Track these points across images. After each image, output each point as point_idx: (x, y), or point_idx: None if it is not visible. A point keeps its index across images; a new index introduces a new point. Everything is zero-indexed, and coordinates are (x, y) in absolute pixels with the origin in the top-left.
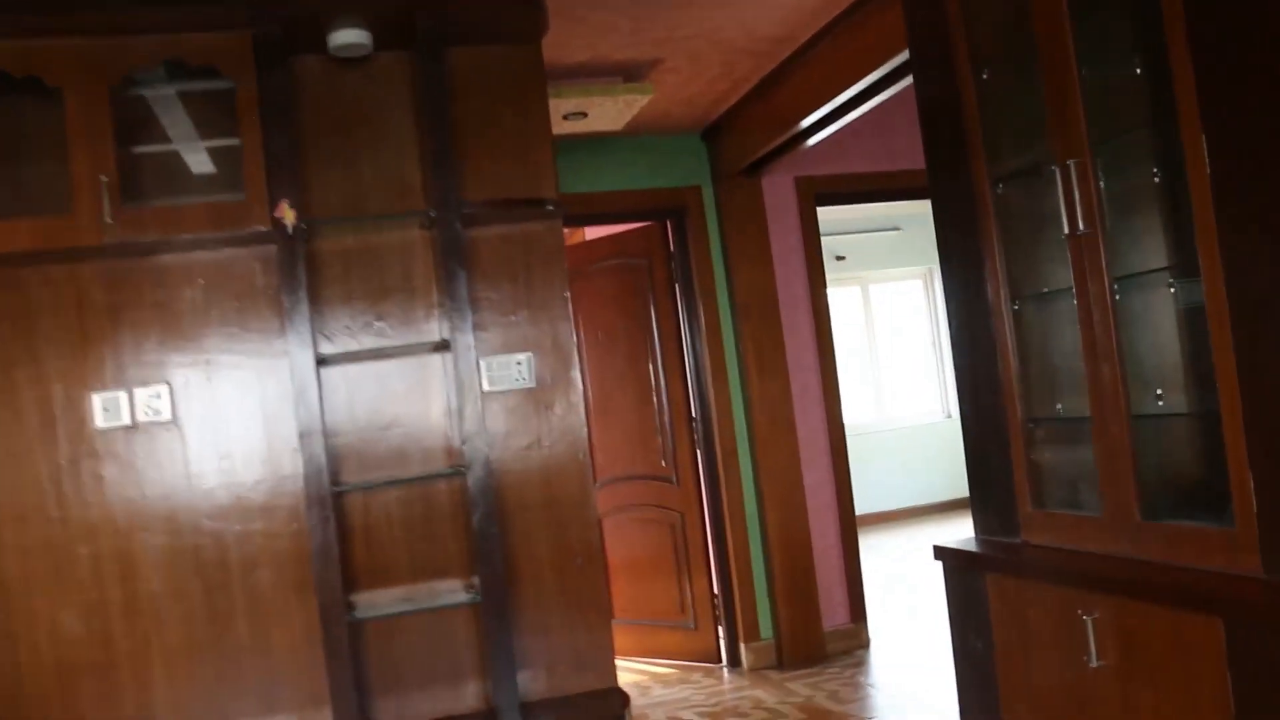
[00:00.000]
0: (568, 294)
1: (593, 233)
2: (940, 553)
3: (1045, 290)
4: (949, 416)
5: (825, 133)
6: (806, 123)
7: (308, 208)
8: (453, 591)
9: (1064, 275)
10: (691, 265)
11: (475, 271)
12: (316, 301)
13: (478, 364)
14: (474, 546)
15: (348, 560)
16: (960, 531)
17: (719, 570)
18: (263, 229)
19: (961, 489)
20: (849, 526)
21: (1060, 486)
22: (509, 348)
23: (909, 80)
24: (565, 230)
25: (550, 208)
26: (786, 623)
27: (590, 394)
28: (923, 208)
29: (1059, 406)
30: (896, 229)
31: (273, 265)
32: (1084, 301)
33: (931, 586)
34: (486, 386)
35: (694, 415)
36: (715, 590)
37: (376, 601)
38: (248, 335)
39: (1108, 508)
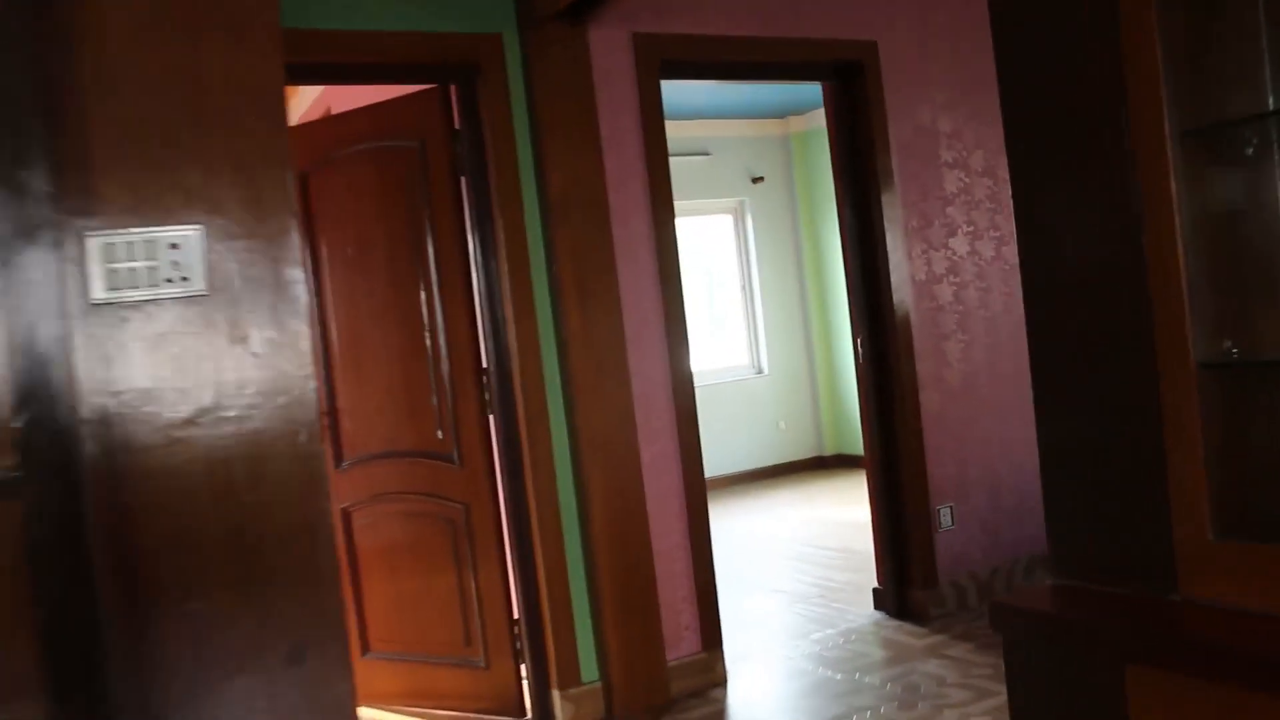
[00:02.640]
0: (282, 94)
1: (341, 103)
2: (1005, 615)
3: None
4: (760, 372)
5: None
6: None
7: None
8: None
9: None
10: (486, 151)
11: (83, 52)
12: None
13: (82, 244)
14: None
15: None
16: (778, 510)
17: (521, 586)
18: None
19: (772, 456)
20: (699, 517)
21: (1256, 493)
22: (155, 214)
23: None
24: (300, 97)
25: None
26: (619, 658)
27: (334, 334)
28: (737, 129)
29: (1230, 346)
30: (705, 154)
31: None
32: None
33: (784, 586)
34: (99, 294)
35: (485, 365)
36: (515, 614)
37: None
38: None
39: None
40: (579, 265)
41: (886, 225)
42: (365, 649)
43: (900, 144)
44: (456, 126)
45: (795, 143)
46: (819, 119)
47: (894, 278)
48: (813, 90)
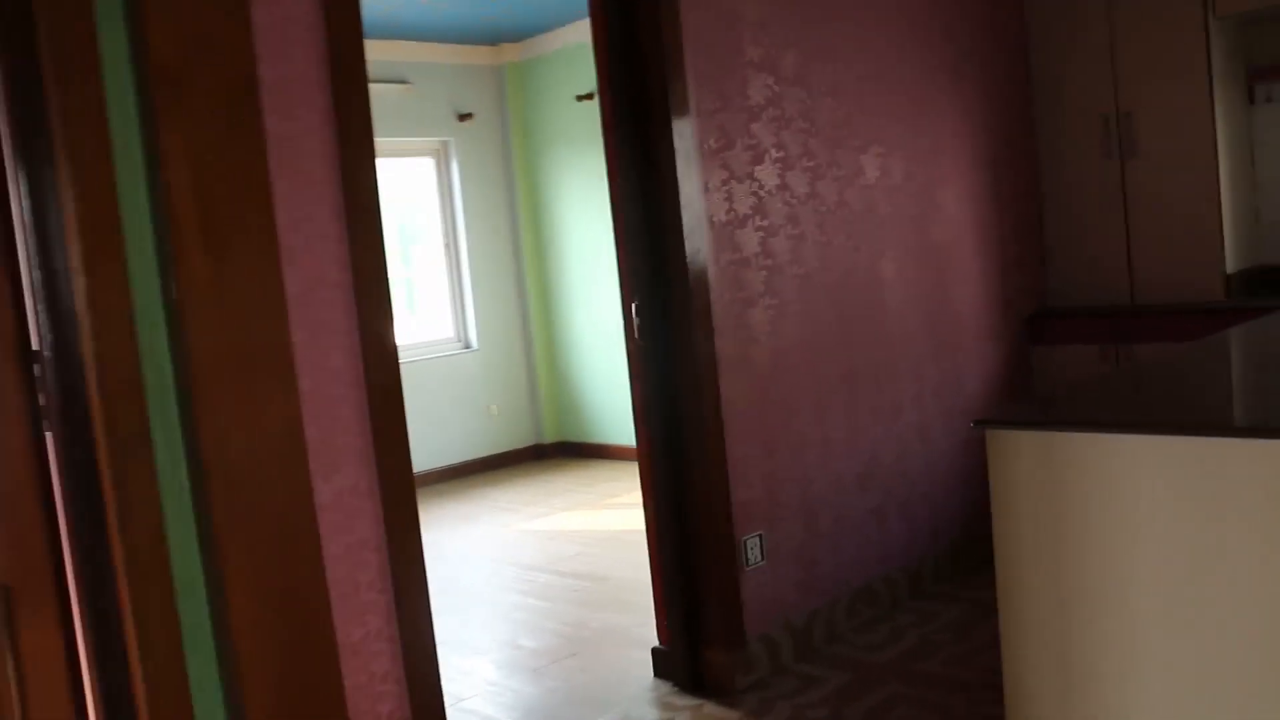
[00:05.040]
0: None
1: None
2: None
3: None
4: (468, 347)
5: None
6: None
7: None
8: None
9: None
10: None
11: None
12: None
13: None
14: None
15: None
16: (499, 517)
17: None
18: None
19: (483, 446)
20: (411, 584)
21: None
22: None
23: None
24: None
25: None
26: None
27: None
28: (441, 55)
29: None
30: (403, 81)
31: None
32: None
33: (523, 641)
34: None
35: (36, 347)
36: None
37: None
38: None
39: None
40: (204, 180)
41: (676, 141)
42: None
43: (692, 31)
44: None
45: (510, 74)
46: (538, 47)
47: (685, 218)
48: (532, 12)
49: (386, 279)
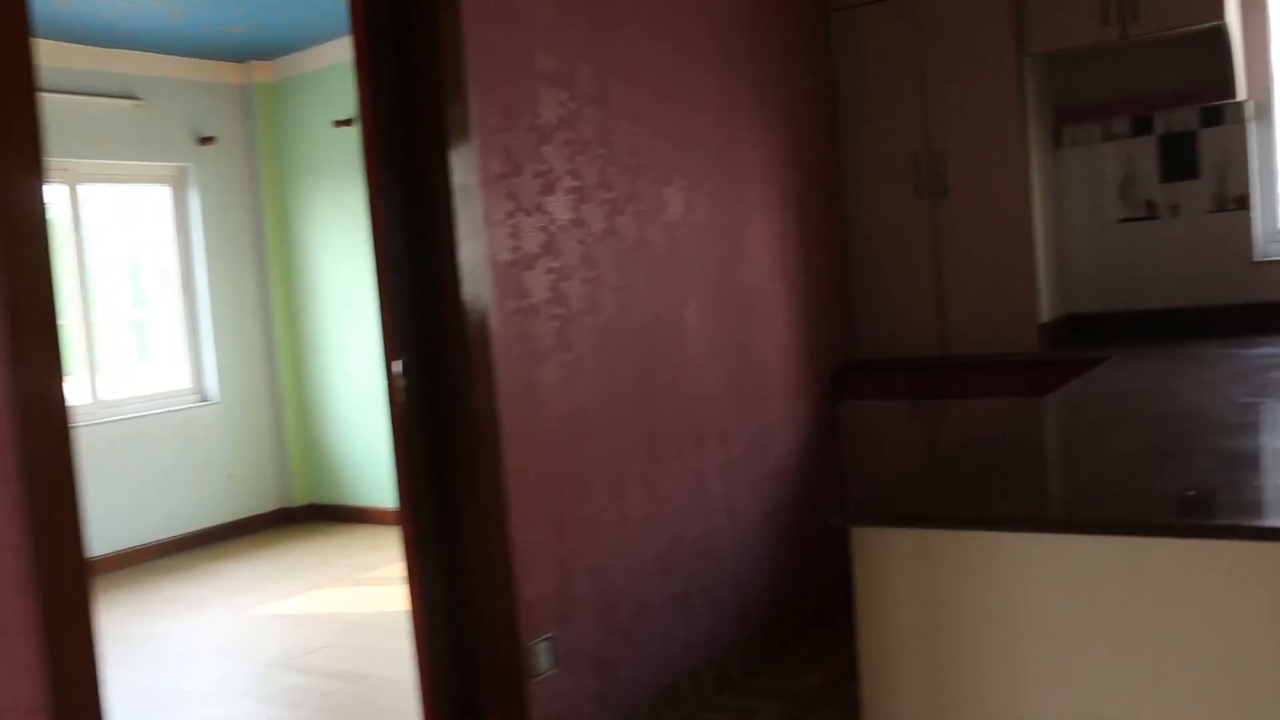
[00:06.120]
0: None
1: None
2: None
3: None
4: (205, 400)
5: None
6: None
7: None
8: None
9: None
10: None
11: None
12: None
13: None
14: None
15: None
16: (235, 598)
17: None
18: None
19: (221, 512)
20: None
21: None
22: None
23: None
24: None
25: None
26: None
27: None
28: (181, 70)
29: None
30: (134, 98)
31: None
32: None
33: None
34: None
35: None
36: None
37: None
38: None
39: None
40: None
41: (454, 163)
42: None
43: (476, 33)
44: None
45: (261, 95)
46: (292, 66)
47: (462, 257)
48: (286, 28)
49: (54, 323)
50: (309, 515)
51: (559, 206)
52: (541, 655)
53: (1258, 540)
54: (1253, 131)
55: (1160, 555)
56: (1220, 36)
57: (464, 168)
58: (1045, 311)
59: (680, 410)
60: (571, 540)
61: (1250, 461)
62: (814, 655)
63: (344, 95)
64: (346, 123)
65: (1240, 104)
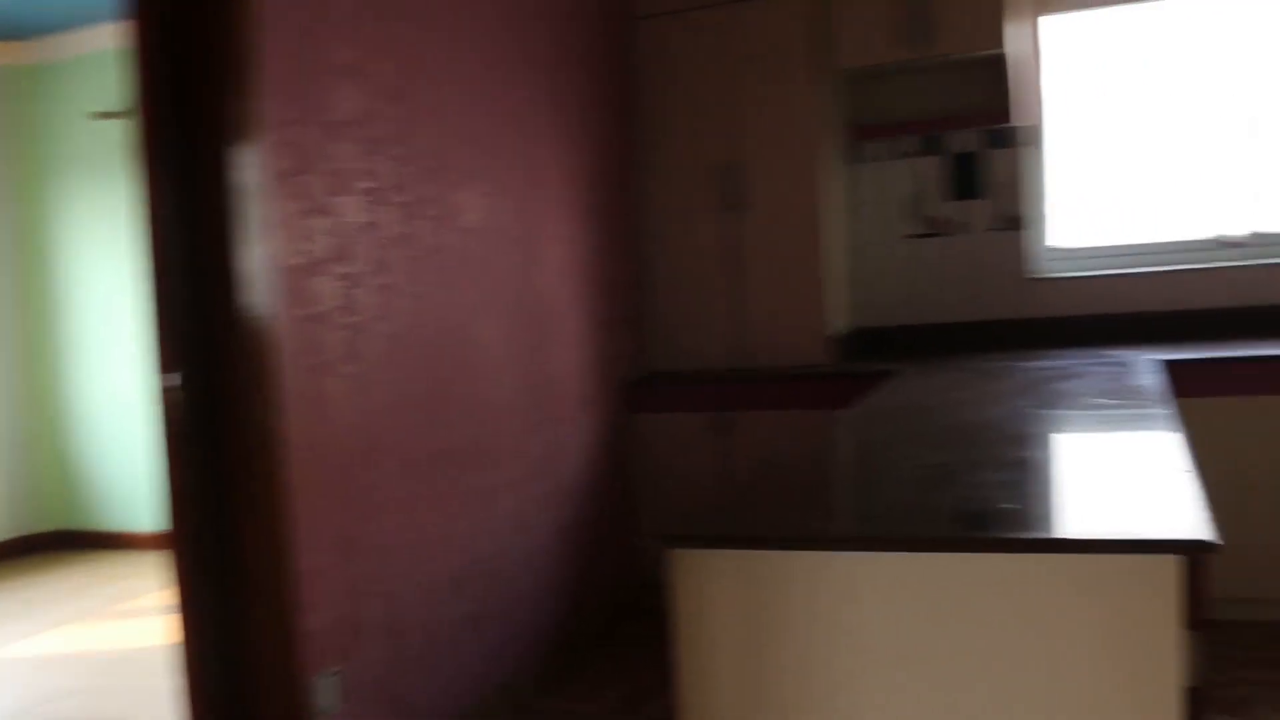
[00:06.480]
0: None
1: None
2: None
3: None
4: None
5: None
6: None
7: None
8: None
9: None
10: None
11: None
12: None
13: None
14: None
15: None
16: None
17: None
18: None
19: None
20: None
21: None
22: None
23: None
24: None
25: None
26: None
27: None
28: None
29: None
30: None
31: None
32: None
33: None
34: None
35: None
36: None
37: None
38: None
39: None
40: None
41: (237, 160)
42: None
43: (266, 19)
44: None
45: (7, 82)
46: (47, 51)
47: (246, 260)
48: (40, 8)
49: None
50: (57, 542)
51: (352, 208)
52: (327, 692)
53: (1051, 553)
54: (1028, 155)
55: (956, 570)
56: (1005, 64)
57: (248, 164)
58: (836, 325)
59: (473, 424)
60: (361, 564)
61: (1046, 473)
62: (608, 675)
63: (104, 85)
64: (109, 115)
65: (1019, 128)
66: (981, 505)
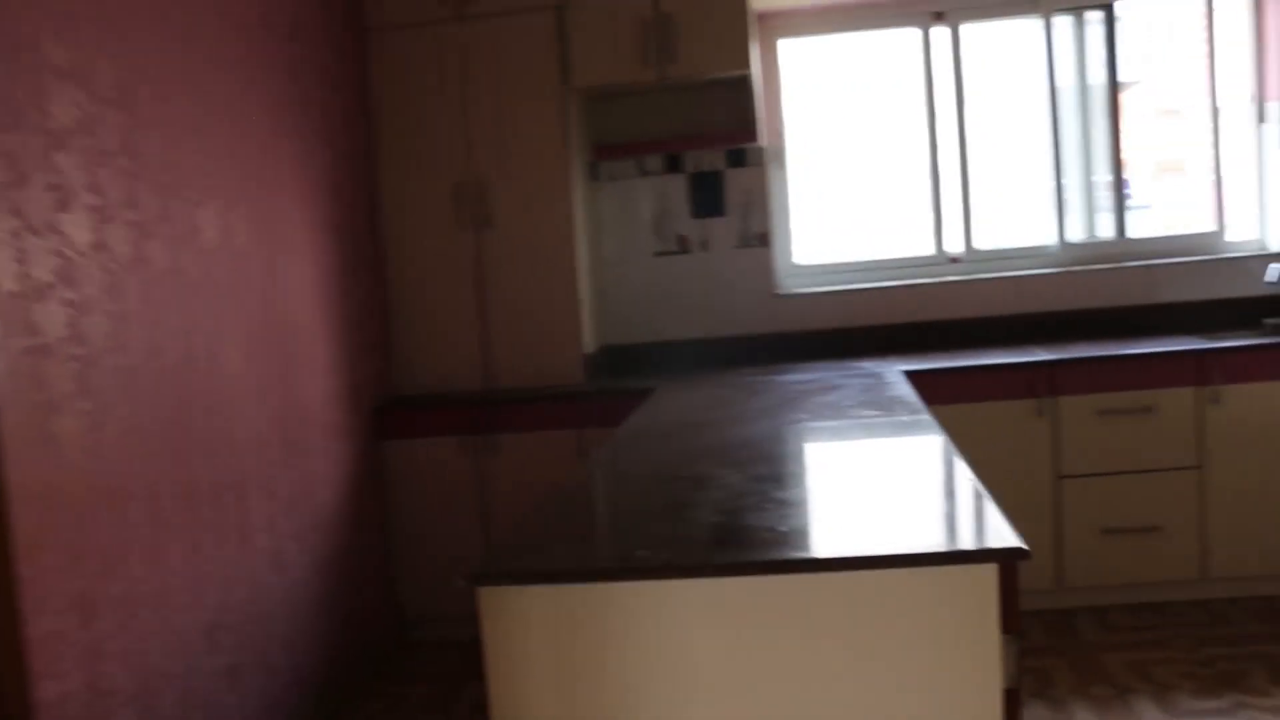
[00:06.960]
0: None
1: None
2: None
3: None
4: None
5: None
6: None
7: None
8: None
9: None
10: None
11: None
12: None
13: None
14: None
15: None
16: None
17: None
18: None
19: None
20: None
21: None
22: None
23: None
24: None
25: None
26: None
27: None
28: None
29: None
30: None
31: None
32: None
33: None
34: None
35: None
36: None
37: None
38: None
39: None
40: None
41: None
42: None
43: None
44: None
45: None
46: None
47: None
48: None
49: None
50: None
51: (77, 227)
52: None
53: (876, 569)
54: (772, 174)
55: (777, 591)
56: (747, 85)
57: None
58: (588, 343)
59: (222, 459)
60: (102, 623)
61: (844, 488)
62: (379, 713)
63: None
64: None
65: (761, 148)
66: (796, 523)
